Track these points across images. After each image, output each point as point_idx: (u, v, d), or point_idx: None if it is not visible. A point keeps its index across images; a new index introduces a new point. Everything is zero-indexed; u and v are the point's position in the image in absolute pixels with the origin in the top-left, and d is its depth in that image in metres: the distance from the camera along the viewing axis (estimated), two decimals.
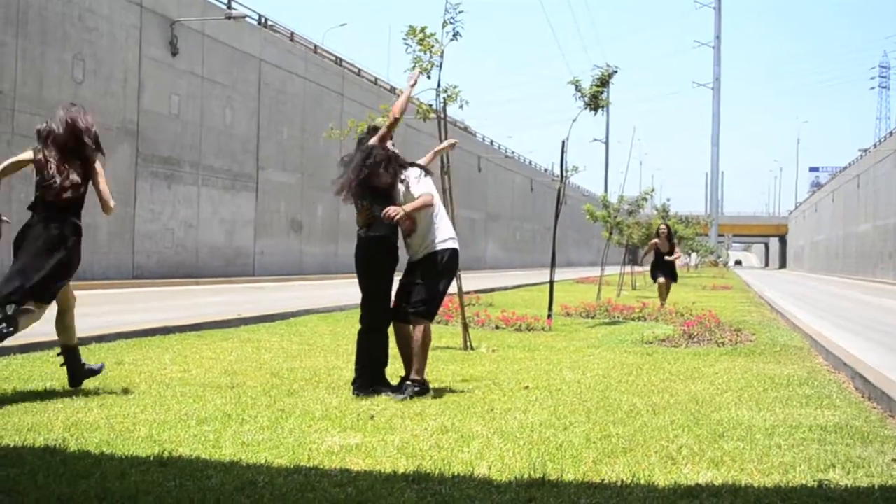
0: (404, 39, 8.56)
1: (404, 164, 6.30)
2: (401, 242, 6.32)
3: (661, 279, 17.01)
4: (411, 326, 6.21)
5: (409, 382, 6.14)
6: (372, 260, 6.19)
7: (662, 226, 17.77)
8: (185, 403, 5.58)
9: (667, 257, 17.03)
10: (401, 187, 6.23)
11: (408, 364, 6.30)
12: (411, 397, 5.95)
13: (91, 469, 3.88)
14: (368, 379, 6.13)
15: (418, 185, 6.23)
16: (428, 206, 6.18)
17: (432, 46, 8.54)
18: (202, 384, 6.38)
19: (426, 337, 6.20)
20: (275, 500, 3.51)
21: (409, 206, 6.10)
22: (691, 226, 46.99)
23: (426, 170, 6.43)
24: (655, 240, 17.46)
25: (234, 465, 4.06)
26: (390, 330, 6.30)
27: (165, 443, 4.47)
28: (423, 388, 6.12)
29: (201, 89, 26.46)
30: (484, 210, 54.89)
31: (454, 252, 6.30)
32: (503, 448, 4.51)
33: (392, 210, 6.02)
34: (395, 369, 6.53)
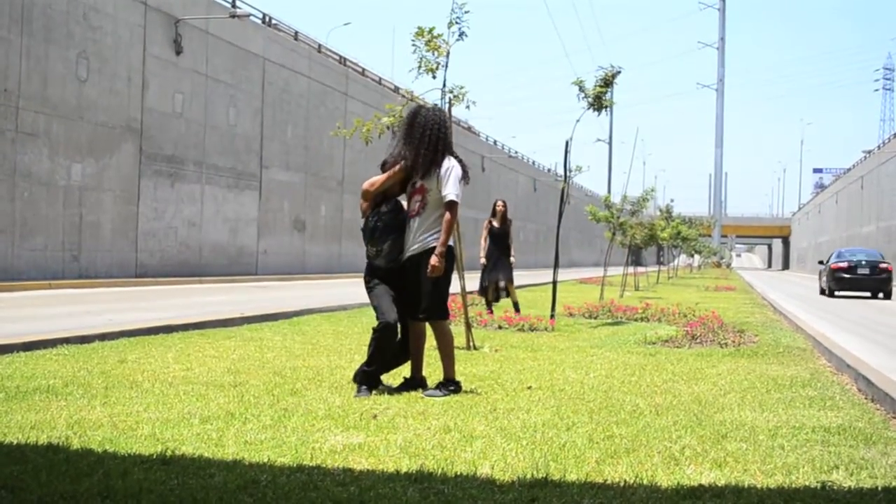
0: (413, 41, 8.59)
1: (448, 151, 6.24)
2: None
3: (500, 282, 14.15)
4: (427, 326, 6.25)
5: (446, 382, 6.17)
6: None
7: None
8: (187, 402, 5.58)
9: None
10: (436, 173, 6.11)
11: (416, 363, 6.31)
12: (445, 395, 6.01)
13: (94, 467, 3.88)
14: (377, 379, 6.18)
15: (451, 186, 6.10)
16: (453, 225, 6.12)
17: (439, 47, 8.56)
18: (205, 383, 6.38)
19: (446, 337, 6.21)
20: (277, 499, 3.51)
21: (441, 245, 6.01)
22: (694, 227, 46.95)
23: (465, 168, 6.25)
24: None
25: (236, 463, 4.06)
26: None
27: (168, 441, 4.47)
28: (457, 388, 6.18)
29: (205, 88, 26.48)
30: (487, 210, 54.80)
31: (449, 248, 6.26)
32: (506, 448, 4.50)
33: (436, 268, 5.99)
34: (400, 370, 6.53)
